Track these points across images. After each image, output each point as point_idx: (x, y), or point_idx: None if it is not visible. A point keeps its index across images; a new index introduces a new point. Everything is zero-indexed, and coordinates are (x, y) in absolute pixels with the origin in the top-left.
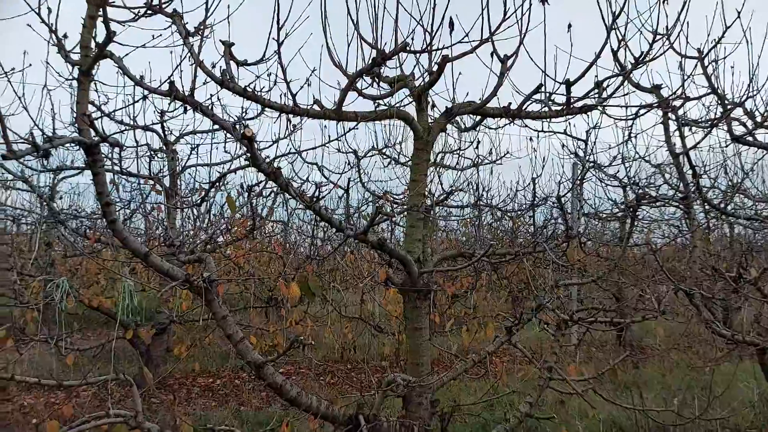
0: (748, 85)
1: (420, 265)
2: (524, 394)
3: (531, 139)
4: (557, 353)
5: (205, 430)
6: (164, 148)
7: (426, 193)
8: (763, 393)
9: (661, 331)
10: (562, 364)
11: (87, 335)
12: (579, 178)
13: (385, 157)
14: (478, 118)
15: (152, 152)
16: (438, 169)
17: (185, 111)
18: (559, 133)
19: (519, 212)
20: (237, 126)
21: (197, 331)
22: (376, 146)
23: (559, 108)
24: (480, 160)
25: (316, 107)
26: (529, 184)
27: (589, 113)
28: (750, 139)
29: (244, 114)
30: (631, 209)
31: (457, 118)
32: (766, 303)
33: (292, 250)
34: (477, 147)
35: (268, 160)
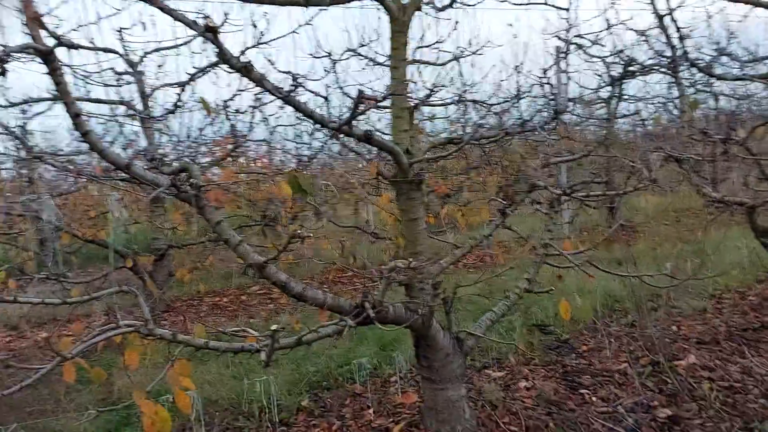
0: None
1: (410, 155)
2: (522, 272)
3: (510, 24)
4: (551, 230)
5: (218, 333)
6: (130, 70)
7: (407, 79)
8: (751, 252)
9: (654, 200)
10: (556, 241)
11: (88, 271)
12: (563, 51)
13: (361, 57)
14: None
15: (118, 76)
16: (418, 67)
17: (144, 28)
18: (538, 3)
19: (504, 104)
20: (197, 21)
21: (197, 254)
22: (350, 47)
23: None
24: (460, 52)
25: None
26: (512, 74)
27: None
28: None
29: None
30: (619, 80)
31: None
32: (755, 163)
33: (279, 170)
34: (455, 28)
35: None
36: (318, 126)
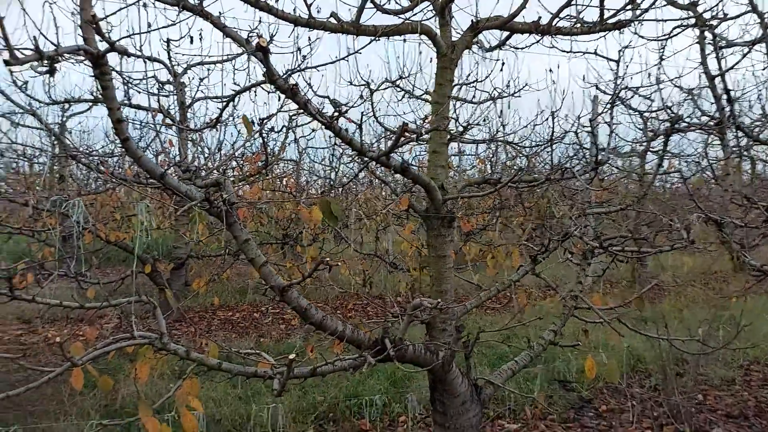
0: None
1: (444, 192)
2: (547, 322)
3: (551, 70)
4: (582, 282)
5: (231, 353)
6: (171, 80)
7: (449, 115)
8: None
9: (690, 261)
10: (586, 294)
11: (105, 272)
12: (611, 101)
13: (399, 89)
14: (504, 36)
15: (160, 85)
16: (454, 103)
17: (191, 41)
18: (588, 53)
19: (535, 148)
20: (250, 38)
21: (215, 266)
22: (389, 78)
23: (591, 24)
24: (498, 93)
25: (332, 20)
26: (547, 118)
27: (622, 30)
28: None
29: (256, 28)
30: (665, 135)
31: (481, 37)
32: None
33: (303, 190)
34: (502, 69)
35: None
36: (356, 154)
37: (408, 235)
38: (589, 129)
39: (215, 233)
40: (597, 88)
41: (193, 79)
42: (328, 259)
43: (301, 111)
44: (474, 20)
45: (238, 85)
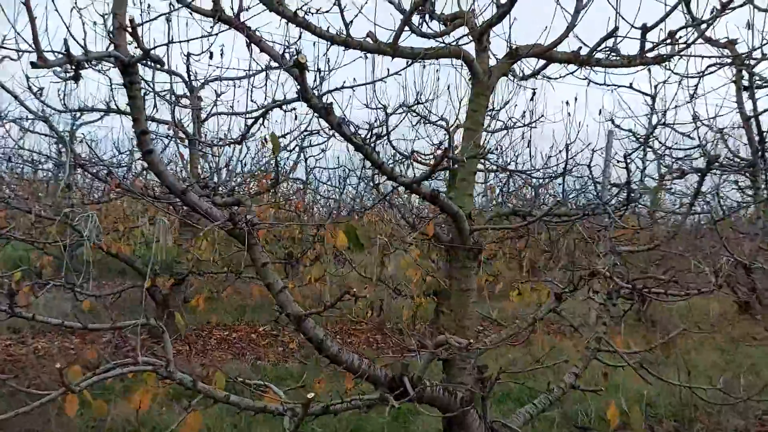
0: None
1: (471, 222)
2: (566, 364)
3: (567, 102)
4: (606, 323)
5: (237, 383)
6: (188, 94)
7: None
8: None
9: (717, 306)
10: (609, 336)
11: (102, 283)
12: (647, 135)
13: (414, 114)
14: (540, 65)
15: (176, 98)
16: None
17: (211, 56)
18: (623, 87)
19: (545, 179)
20: (286, 54)
21: (215, 283)
22: (406, 103)
23: (631, 57)
24: (513, 123)
25: (369, 40)
26: (561, 150)
27: (662, 65)
28: None
29: (289, 43)
30: (700, 175)
31: (515, 65)
32: None
33: (308, 210)
34: (532, 98)
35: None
36: (385, 177)
37: (412, 260)
38: (623, 165)
39: (220, 251)
40: (612, 122)
41: (205, 96)
42: (354, 289)
43: (334, 132)
44: (512, 47)
45: (255, 103)
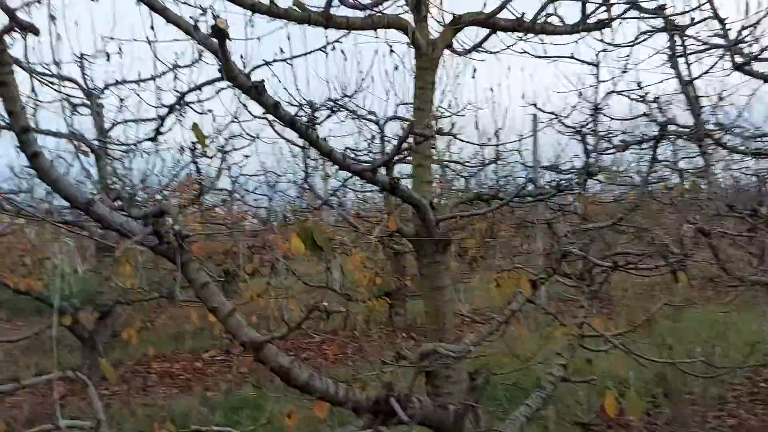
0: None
1: (434, 211)
2: (553, 356)
3: (492, 89)
4: (586, 306)
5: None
6: (87, 101)
7: (434, 123)
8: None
9: (684, 277)
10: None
11: (17, 324)
12: (596, 104)
13: (342, 110)
14: (482, 37)
15: (73, 107)
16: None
17: (108, 58)
18: (565, 58)
19: (477, 167)
20: (198, 25)
21: (146, 312)
22: (330, 98)
23: (575, 23)
24: (440, 113)
25: (297, 9)
26: (490, 138)
27: (602, 31)
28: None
29: (203, 9)
30: (654, 141)
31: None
32: None
33: (238, 222)
34: (474, 76)
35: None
36: (337, 168)
37: (360, 263)
38: (581, 138)
39: (147, 275)
40: (535, 106)
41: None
42: (326, 303)
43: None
44: (454, 15)
45: (165, 106)
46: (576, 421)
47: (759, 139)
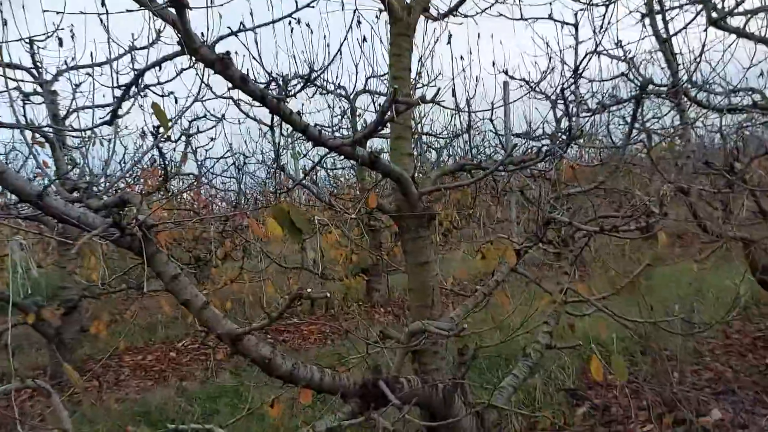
0: None
1: (416, 184)
2: (534, 324)
3: (462, 57)
4: (568, 272)
5: None
6: (40, 89)
7: (412, 92)
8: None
9: (664, 237)
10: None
11: None
12: (578, 64)
13: (311, 85)
14: (456, 2)
15: (25, 96)
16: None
17: (61, 43)
18: (542, 18)
19: (449, 138)
20: None
21: (115, 304)
22: (298, 73)
23: None
24: (413, 84)
25: None
26: (464, 106)
27: None
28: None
29: None
30: (636, 99)
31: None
32: (752, 195)
33: (207, 206)
34: (449, 42)
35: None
36: (313, 144)
37: (333, 242)
38: (563, 99)
39: (113, 266)
40: (506, 74)
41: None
42: (309, 290)
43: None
44: None
45: (122, 87)
46: (560, 387)
47: (733, 94)
